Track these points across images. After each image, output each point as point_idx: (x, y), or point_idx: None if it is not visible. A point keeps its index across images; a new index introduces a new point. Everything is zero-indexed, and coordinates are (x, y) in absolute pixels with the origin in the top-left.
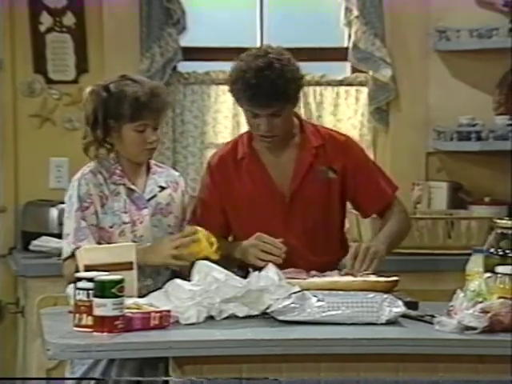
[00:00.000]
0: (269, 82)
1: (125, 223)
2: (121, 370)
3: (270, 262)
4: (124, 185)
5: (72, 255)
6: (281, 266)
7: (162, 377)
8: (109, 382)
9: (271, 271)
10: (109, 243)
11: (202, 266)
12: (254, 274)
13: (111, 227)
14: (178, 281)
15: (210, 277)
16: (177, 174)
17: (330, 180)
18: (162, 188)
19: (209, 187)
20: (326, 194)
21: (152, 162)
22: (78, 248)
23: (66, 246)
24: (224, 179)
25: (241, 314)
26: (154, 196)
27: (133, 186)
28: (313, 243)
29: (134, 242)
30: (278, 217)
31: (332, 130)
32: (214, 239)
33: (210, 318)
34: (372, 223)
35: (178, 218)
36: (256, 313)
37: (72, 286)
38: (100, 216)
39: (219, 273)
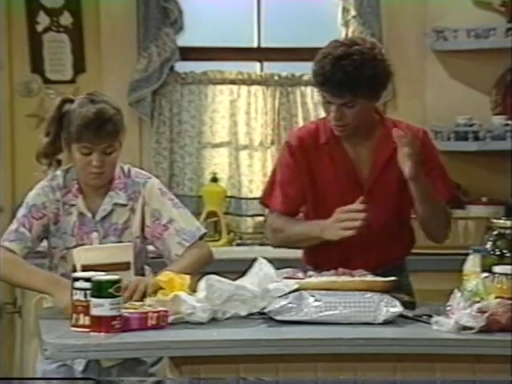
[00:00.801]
0: (342, 72)
1: (67, 248)
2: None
3: (351, 231)
4: (76, 206)
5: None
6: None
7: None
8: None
9: (265, 265)
10: (55, 264)
11: (210, 281)
12: (252, 273)
13: (54, 248)
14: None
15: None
16: (143, 180)
17: (402, 180)
18: (122, 205)
19: (290, 166)
20: (402, 187)
21: (122, 172)
22: (5, 247)
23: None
24: (305, 160)
25: (243, 313)
26: (107, 215)
27: (84, 210)
28: (385, 235)
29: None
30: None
31: (408, 124)
32: (184, 280)
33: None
34: None
35: (136, 234)
36: (256, 310)
37: None
38: (51, 234)
39: (228, 285)
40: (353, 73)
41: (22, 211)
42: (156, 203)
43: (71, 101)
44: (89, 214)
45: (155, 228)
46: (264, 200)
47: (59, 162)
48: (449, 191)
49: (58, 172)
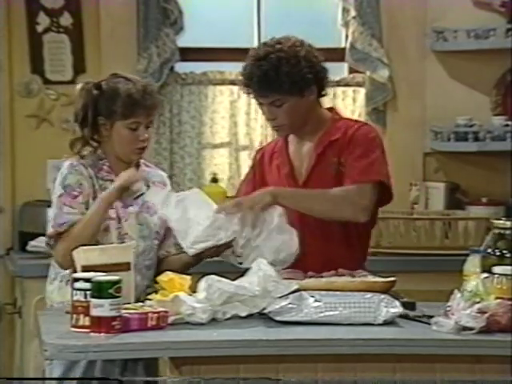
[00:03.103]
0: (260, 71)
1: (110, 219)
2: (106, 366)
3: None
4: (112, 181)
5: (55, 237)
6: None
7: (143, 370)
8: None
9: (264, 265)
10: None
11: (210, 281)
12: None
13: None
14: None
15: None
16: (163, 174)
17: (338, 173)
18: (149, 187)
19: (250, 180)
20: (337, 185)
21: (141, 160)
22: (58, 233)
23: (49, 229)
24: (261, 172)
25: (243, 314)
26: (142, 194)
27: None
28: (328, 240)
29: (118, 238)
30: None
31: (356, 122)
32: (184, 280)
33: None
34: None
35: (161, 218)
36: (256, 311)
37: (53, 285)
38: (90, 206)
39: (228, 285)
40: (270, 72)
41: (56, 194)
42: None
43: (97, 85)
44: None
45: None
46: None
47: (99, 143)
48: (361, 176)
49: (84, 153)
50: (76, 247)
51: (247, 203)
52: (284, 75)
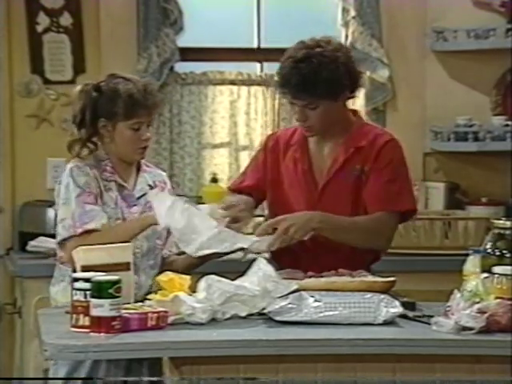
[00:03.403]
0: (299, 74)
1: (118, 219)
2: (110, 367)
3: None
4: (115, 181)
5: (69, 237)
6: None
7: (148, 371)
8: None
9: (264, 265)
10: None
11: (209, 281)
12: (252, 273)
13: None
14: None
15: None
16: (164, 173)
17: (361, 181)
18: (151, 187)
19: (258, 161)
20: (355, 193)
21: (142, 161)
22: (86, 231)
23: (61, 229)
24: (274, 160)
25: (243, 314)
26: (144, 194)
27: (124, 183)
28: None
29: None
30: (308, 205)
31: (381, 131)
32: (184, 280)
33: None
34: None
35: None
36: (256, 310)
37: (59, 286)
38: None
39: (227, 285)
40: (309, 75)
41: (68, 195)
42: None
43: (96, 86)
44: (129, 187)
45: None
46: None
47: (96, 145)
48: (398, 202)
49: (84, 154)
50: None
51: (291, 230)
52: (323, 80)
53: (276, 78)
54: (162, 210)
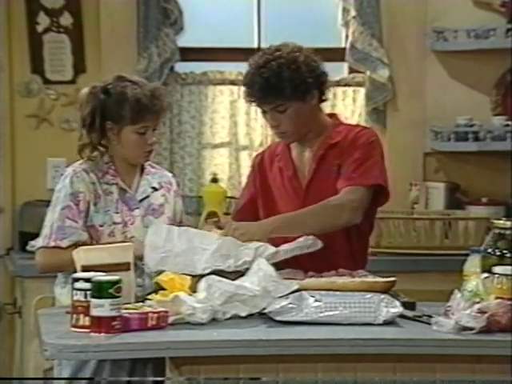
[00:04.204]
0: (262, 79)
1: (115, 223)
2: (114, 368)
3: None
4: (116, 184)
5: (42, 247)
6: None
7: (152, 372)
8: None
9: (264, 265)
10: (98, 242)
11: (210, 281)
12: (252, 273)
13: (101, 226)
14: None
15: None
16: (170, 174)
17: (339, 176)
18: (155, 189)
19: (249, 183)
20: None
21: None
22: (57, 247)
23: (42, 237)
24: (262, 175)
25: (243, 314)
26: (147, 197)
27: (125, 187)
28: (327, 238)
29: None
30: (297, 207)
31: (357, 126)
32: (184, 280)
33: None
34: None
35: (170, 218)
36: (256, 310)
37: (60, 286)
38: (91, 214)
39: (228, 285)
40: (271, 78)
41: (57, 202)
42: (179, 202)
43: (104, 89)
44: (131, 191)
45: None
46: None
47: (107, 148)
48: (357, 179)
49: (84, 158)
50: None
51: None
52: (285, 80)
53: (242, 89)
54: (159, 240)
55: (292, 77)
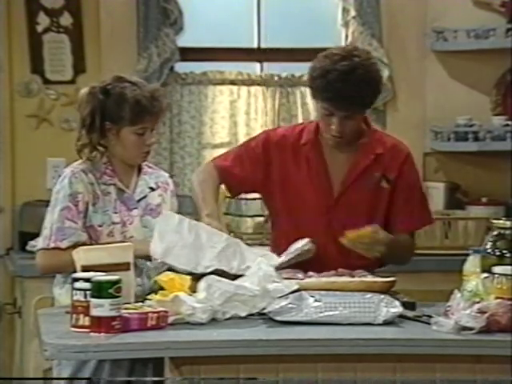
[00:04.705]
0: (351, 86)
1: (114, 223)
2: (114, 368)
3: None
4: (114, 185)
5: (42, 249)
6: (313, 266)
7: (152, 372)
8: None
9: (264, 264)
10: (97, 242)
11: (210, 281)
12: (252, 273)
13: (100, 226)
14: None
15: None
16: (166, 175)
17: (381, 188)
18: (152, 189)
19: (256, 153)
20: (375, 201)
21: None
22: (57, 248)
23: (42, 238)
24: (281, 159)
25: (243, 314)
26: (145, 197)
27: (123, 187)
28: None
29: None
30: (323, 208)
31: (395, 140)
32: (184, 280)
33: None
34: None
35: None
36: (256, 310)
37: (59, 286)
38: (90, 214)
39: (227, 285)
40: (360, 86)
41: (56, 203)
42: (175, 203)
43: (104, 89)
44: (129, 191)
45: None
46: (215, 159)
47: (106, 148)
48: (428, 218)
49: (83, 158)
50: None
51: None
52: (370, 88)
53: (322, 93)
54: (168, 229)
55: (375, 84)
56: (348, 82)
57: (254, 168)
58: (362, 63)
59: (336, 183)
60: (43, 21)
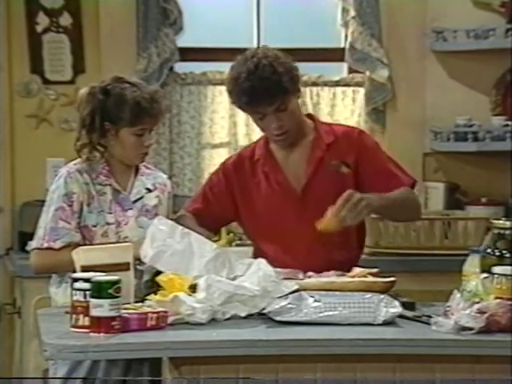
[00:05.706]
0: (261, 80)
1: (108, 224)
2: (110, 366)
3: None
4: (110, 185)
5: (35, 249)
6: (296, 263)
7: (149, 370)
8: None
9: (264, 265)
10: (91, 243)
11: (209, 281)
12: (252, 273)
13: (94, 226)
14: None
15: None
16: (165, 176)
17: (343, 174)
18: (149, 190)
19: (219, 186)
20: (340, 188)
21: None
22: (50, 248)
23: (36, 238)
24: (240, 180)
25: (243, 314)
26: (141, 198)
27: (119, 187)
28: (327, 239)
29: (119, 242)
30: (291, 213)
31: (345, 126)
32: (184, 280)
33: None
34: None
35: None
36: (256, 311)
37: (55, 286)
38: (85, 214)
39: (227, 285)
40: (271, 76)
41: (50, 203)
42: (170, 205)
43: (103, 89)
44: (124, 192)
45: None
46: (187, 205)
47: (105, 147)
48: (409, 176)
49: (79, 159)
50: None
51: (362, 203)
52: (283, 74)
53: (241, 100)
54: (161, 236)
55: (284, 70)
56: (257, 78)
57: (221, 202)
58: (264, 56)
59: (297, 183)
60: (43, 21)
